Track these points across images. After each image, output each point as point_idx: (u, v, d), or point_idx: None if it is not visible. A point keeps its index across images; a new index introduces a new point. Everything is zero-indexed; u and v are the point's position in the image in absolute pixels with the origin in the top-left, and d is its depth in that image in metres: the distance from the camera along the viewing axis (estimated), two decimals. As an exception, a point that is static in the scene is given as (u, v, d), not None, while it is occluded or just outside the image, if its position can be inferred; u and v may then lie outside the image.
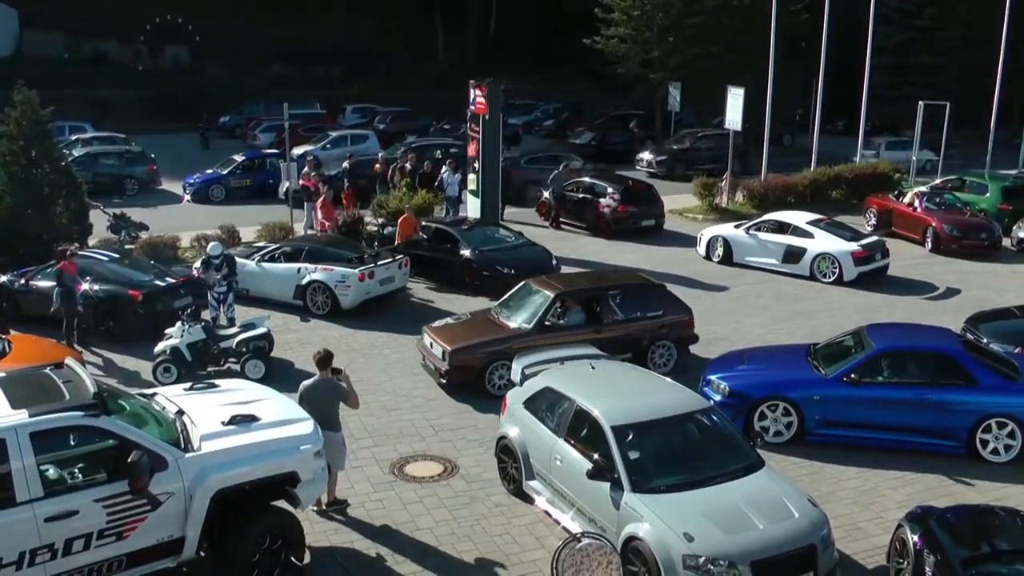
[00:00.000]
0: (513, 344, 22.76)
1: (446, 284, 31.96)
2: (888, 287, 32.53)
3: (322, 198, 36.05)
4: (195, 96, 76.20)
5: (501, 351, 22.86)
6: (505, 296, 25.49)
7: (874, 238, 34.97)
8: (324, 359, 17.37)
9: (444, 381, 23.17)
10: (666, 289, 25.89)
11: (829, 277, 32.62)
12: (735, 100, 44.18)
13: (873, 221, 40.69)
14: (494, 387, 22.81)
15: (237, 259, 29.04)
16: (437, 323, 24.95)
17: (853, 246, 33.02)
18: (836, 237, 33.56)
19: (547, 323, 23.53)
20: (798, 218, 35.25)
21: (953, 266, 35.66)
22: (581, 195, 41.14)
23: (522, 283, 25.52)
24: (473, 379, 22.89)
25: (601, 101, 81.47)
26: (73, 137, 56.39)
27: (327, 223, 35.38)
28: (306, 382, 17.43)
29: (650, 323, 24.54)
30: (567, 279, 26.46)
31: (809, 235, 33.78)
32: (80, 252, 29.17)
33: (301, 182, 37.94)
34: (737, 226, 36.26)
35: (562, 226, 41.35)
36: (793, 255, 33.32)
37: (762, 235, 34.84)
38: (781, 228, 34.75)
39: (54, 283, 25.48)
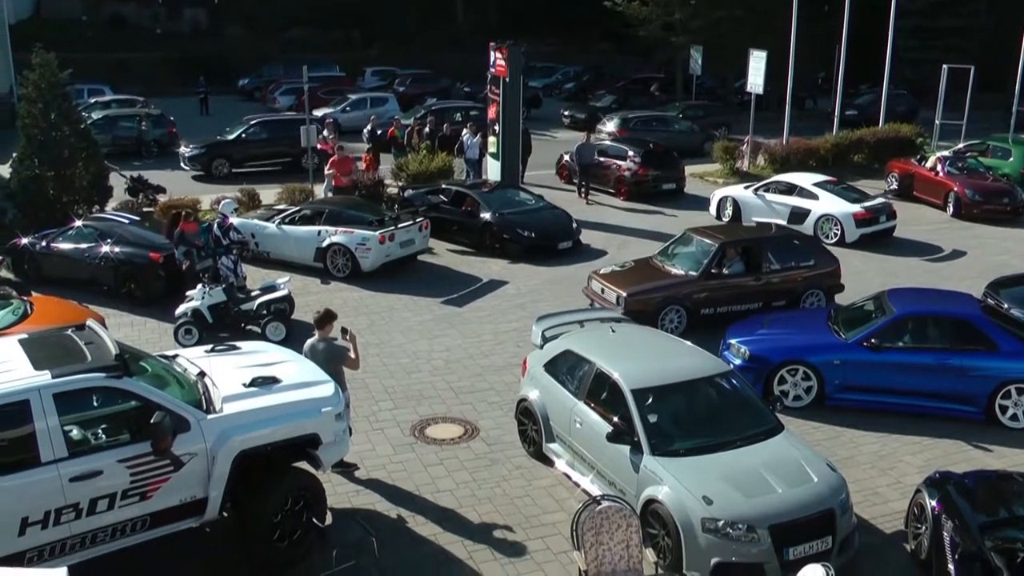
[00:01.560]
0: (682, 290, 24.45)
1: (467, 247, 31.98)
2: (908, 251, 32.42)
3: (333, 157, 35.86)
4: (214, 59, 76.10)
5: (672, 296, 24.39)
6: (666, 245, 26.99)
7: (880, 200, 34.82)
8: (322, 318, 17.35)
9: None
10: (817, 240, 26.91)
11: (831, 238, 32.50)
12: (757, 63, 43.95)
13: (895, 185, 40.48)
14: (665, 330, 23.54)
15: (258, 221, 29.21)
16: (603, 270, 26.22)
17: (856, 208, 33.01)
18: (840, 199, 33.58)
19: (712, 271, 24.80)
20: (805, 180, 35.33)
21: (974, 231, 35.51)
22: (601, 158, 40.96)
23: (683, 232, 27.03)
24: (647, 321, 23.18)
25: (622, 64, 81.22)
26: (92, 100, 56.40)
27: (344, 179, 35.21)
28: (309, 341, 17.44)
29: (803, 272, 25.69)
30: (727, 230, 28.07)
31: (814, 196, 33.82)
32: (99, 214, 29.40)
33: (318, 146, 37.89)
34: (747, 187, 36.31)
35: (575, 181, 41.40)
36: (798, 216, 33.29)
37: (769, 196, 34.91)
38: (789, 190, 34.83)
39: (176, 244, 26.23)
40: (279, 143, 44.23)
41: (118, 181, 35.34)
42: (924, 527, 14.68)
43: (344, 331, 17.65)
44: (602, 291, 24.98)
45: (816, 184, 34.53)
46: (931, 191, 38.92)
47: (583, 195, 39.29)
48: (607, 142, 42.29)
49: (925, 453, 18.64)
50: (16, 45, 55.31)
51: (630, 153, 40.23)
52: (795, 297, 25.32)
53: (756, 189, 35.56)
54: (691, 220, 35.27)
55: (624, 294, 24.16)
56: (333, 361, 16.98)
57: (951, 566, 13.64)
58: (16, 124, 34.05)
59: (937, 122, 48.96)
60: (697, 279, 24.66)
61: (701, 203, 38.12)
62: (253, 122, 46.28)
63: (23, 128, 31.92)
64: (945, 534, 13.95)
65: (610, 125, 50.74)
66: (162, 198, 34.82)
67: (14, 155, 32.37)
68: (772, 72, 44.26)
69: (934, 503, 14.51)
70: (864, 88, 68.42)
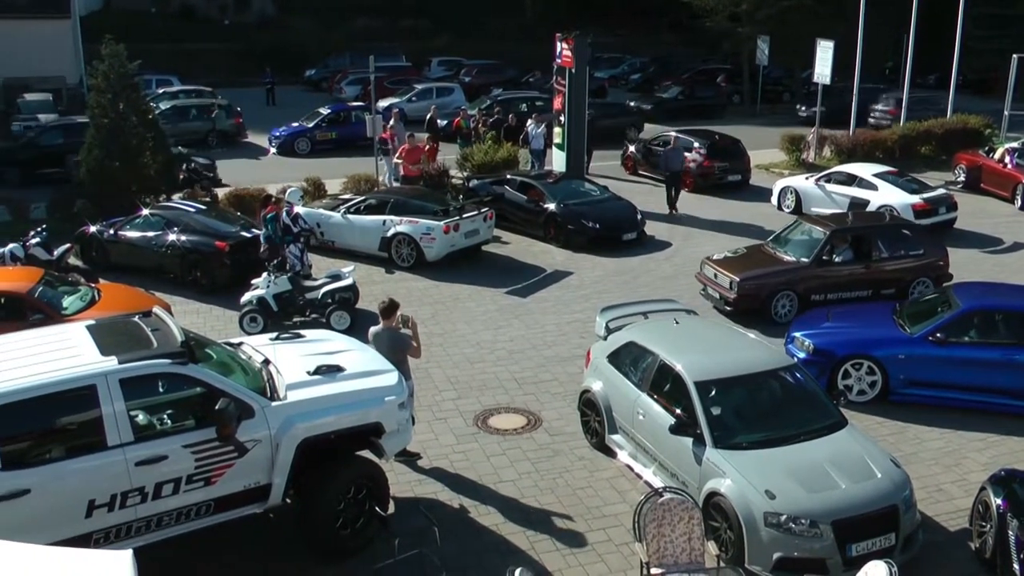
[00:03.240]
0: (794, 276, 24.89)
1: (531, 237, 32.00)
2: (974, 244, 31.90)
3: (404, 146, 35.99)
4: (281, 49, 76.56)
5: (784, 282, 24.85)
6: (778, 232, 27.53)
7: (941, 192, 34.34)
8: (388, 308, 17.38)
9: (730, 308, 24.77)
10: (926, 230, 27.01)
11: None
12: (824, 53, 43.46)
13: (962, 177, 39.95)
14: (777, 315, 24.54)
15: (323, 211, 29.41)
16: (716, 256, 26.52)
17: (915, 199, 32.56)
18: (900, 189, 33.21)
19: (823, 258, 25.16)
20: (865, 170, 35.06)
21: (1044, 225, 35.00)
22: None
23: (795, 220, 27.76)
24: (758, 307, 24.49)
25: (688, 55, 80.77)
26: (160, 91, 56.92)
27: (412, 168, 35.35)
28: (372, 329, 17.55)
29: (912, 261, 25.86)
30: (838, 219, 27.90)
31: (873, 187, 33.52)
32: (166, 203, 29.72)
33: (381, 135, 38.04)
34: (807, 177, 36.15)
35: (640, 173, 41.83)
36: (858, 206, 32.90)
37: (829, 186, 34.73)
38: (849, 180, 34.61)
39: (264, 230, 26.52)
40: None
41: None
42: (989, 525, 14.47)
43: (405, 319, 17.72)
44: (715, 276, 25.45)
45: (876, 175, 34.25)
46: (999, 183, 38.28)
47: (672, 205, 36.07)
48: (672, 133, 42.08)
49: (990, 450, 18.37)
50: (87, 36, 56.02)
51: (696, 145, 40.03)
52: (904, 286, 25.41)
53: (817, 180, 35.35)
54: (756, 211, 35.23)
55: (737, 279, 24.64)
56: (396, 350, 17.03)
57: (1016, 565, 13.49)
58: (86, 114, 34.44)
59: (1006, 113, 48.22)
60: (808, 266, 25.08)
61: (765, 195, 37.79)
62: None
63: (92, 118, 32.39)
64: (1010, 533, 13.76)
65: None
66: (217, 188, 34.87)
67: (83, 144, 32.74)
68: (839, 62, 43.82)
69: (999, 501, 14.28)
70: (932, 79, 67.63)
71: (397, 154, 35.71)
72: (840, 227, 26.10)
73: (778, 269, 25.18)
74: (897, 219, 28.74)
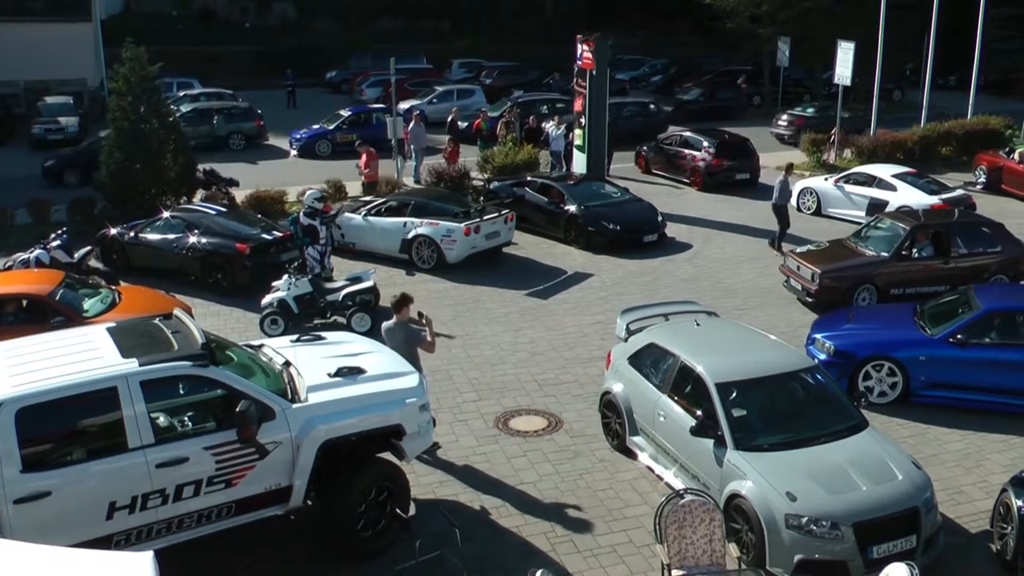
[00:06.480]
0: (874, 270, 25.52)
1: (552, 239, 31.99)
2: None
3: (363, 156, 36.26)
4: (302, 52, 76.69)
5: (864, 275, 25.45)
6: (859, 228, 28.40)
7: (959, 192, 34.52)
8: (399, 302, 17.55)
9: (811, 300, 25.53)
10: (1004, 227, 27.04)
11: None
12: (845, 54, 43.42)
13: (983, 178, 39.79)
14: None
15: (345, 212, 29.49)
16: (800, 249, 27.47)
17: (933, 199, 32.56)
18: (918, 190, 33.29)
19: (903, 253, 25.75)
20: (884, 171, 35.16)
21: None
22: (677, 148, 41.63)
23: (875, 216, 28.78)
24: (839, 298, 24.85)
25: (709, 57, 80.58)
26: (181, 93, 57.05)
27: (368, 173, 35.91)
28: (385, 324, 17.64)
29: (990, 258, 26.24)
30: (918, 214, 28.07)
31: (892, 188, 33.63)
32: (187, 205, 29.83)
33: (403, 135, 38.08)
34: (826, 179, 36.25)
35: (652, 171, 42.42)
36: (876, 207, 32.89)
37: (848, 187, 34.85)
38: (869, 181, 34.74)
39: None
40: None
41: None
42: (1010, 527, 14.43)
43: (420, 315, 17.88)
44: (798, 268, 26.14)
45: (895, 176, 34.35)
46: (1019, 184, 38.15)
47: (778, 246, 31.05)
48: (682, 132, 42.51)
49: (1012, 452, 18.28)
50: (107, 40, 56.21)
51: (705, 144, 40.58)
52: (981, 282, 25.08)
53: (836, 180, 35.42)
54: (764, 208, 35.08)
55: (819, 271, 25.32)
56: (410, 344, 17.12)
57: (1036, 567, 13.45)
58: (107, 117, 34.56)
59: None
60: (888, 260, 25.62)
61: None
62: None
63: (113, 120, 32.53)
64: (1031, 535, 13.73)
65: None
66: (233, 190, 34.90)
67: (104, 147, 32.85)
68: (860, 63, 43.72)
69: (1021, 503, 14.25)
70: (953, 80, 67.32)
71: (363, 163, 35.82)
72: (920, 223, 26.58)
73: (859, 263, 25.80)
74: (975, 216, 28.94)
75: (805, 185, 36.43)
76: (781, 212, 31.48)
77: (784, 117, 52.89)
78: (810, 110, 52.73)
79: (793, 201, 35.68)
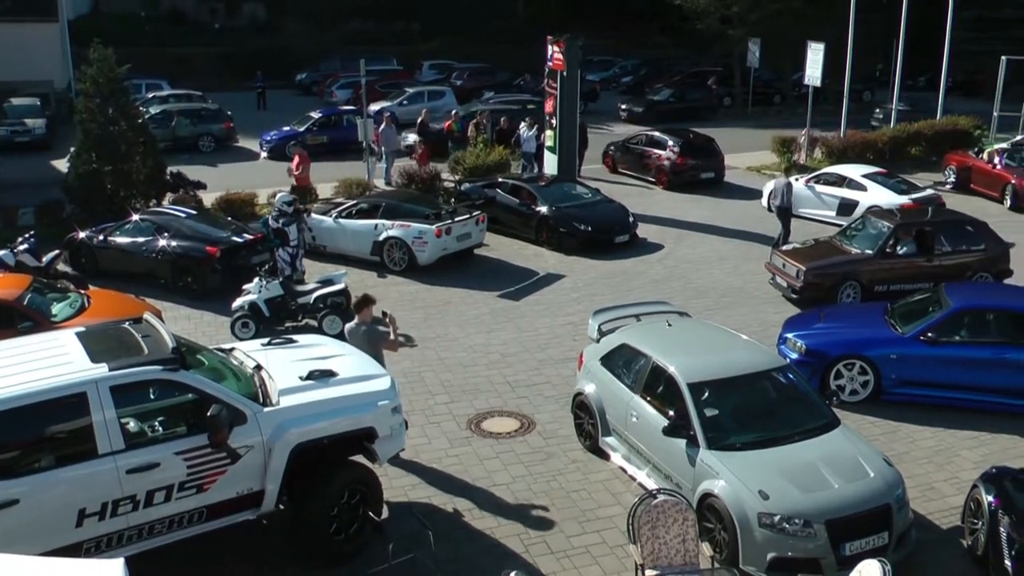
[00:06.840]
0: (858, 267, 25.86)
1: (523, 240, 31.97)
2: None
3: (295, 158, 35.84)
4: (272, 53, 76.50)
5: (849, 272, 25.81)
6: (845, 226, 28.72)
7: (929, 192, 34.69)
8: (360, 303, 17.75)
9: (796, 296, 25.87)
10: (987, 226, 27.26)
11: None
12: (815, 56, 43.61)
13: (952, 178, 39.99)
14: None
15: (315, 215, 29.40)
16: (786, 247, 28.10)
17: (904, 199, 32.71)
18: (888, 190, 33.45)
19: (887, 250, 26.07)
20: (854, 171, 35.36)
21: (1033, 224, 34.99)
22: (643, 147, 41.83)
23: (863, 215, 28.98)
24: (824, 295, 25.28)
25: (680, 58, 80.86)
26: (150, 95, 56.82)
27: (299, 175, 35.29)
28: (347, 325, 17.75)
29: (973, 256, 26.48)
30: (903, 213, 28.55)
31: (862, 188, 33.83)
32: (156, 208, 29.65)
33: (373, 137, 37.95)
34: (796, 179, 36.02)
35: (619, 171, 42.82)
36: (847, 207, 33.30)
37: (819, 187, 34.97)
38: (839, 181, 34.90)
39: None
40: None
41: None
42: (981, 523, 14.55)
43: (384, 314, 17.97)
44: (783, 265, 26.51)
45: (865, 175, 34.54)
46: (988, 184, 38.33)
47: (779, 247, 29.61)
48: (648, 132, 43.02)
49: (982, 448, 18.41)
50: (75, 40, 56.01)
51: (669, 143, 40.83)
52: (965, 280, 25.62)
53: (807, 181, 35.44)
54: (745, 212, 35.28)
55: (804, 268, 25.68)
56: (373, 343, 17.16)
57: (1008, 562, 13.58)
58: (74, 119, 34.36)
59: (995, 114, 48.22)
60: (872, 258, 25.97)
61: (752, 194, 38.33)
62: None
63: (81, 123, 32.29)
64: (1002, 530, 13.88)
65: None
66: (200, 193, 34.61)
67: (72, 149, 32.68)
68: (830, 65, 43.90)
69: (991, 498, 14.37)
70: (922, 81, 67.62)
71: (294, 164, 35.31)
72: (904, 221, 26.93)
73: (843, 260, 26.13)
74: (959, 215, 28.92)
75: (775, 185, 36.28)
76: (784, 215, 31.45)
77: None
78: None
79: (763, 201, 35.78)
